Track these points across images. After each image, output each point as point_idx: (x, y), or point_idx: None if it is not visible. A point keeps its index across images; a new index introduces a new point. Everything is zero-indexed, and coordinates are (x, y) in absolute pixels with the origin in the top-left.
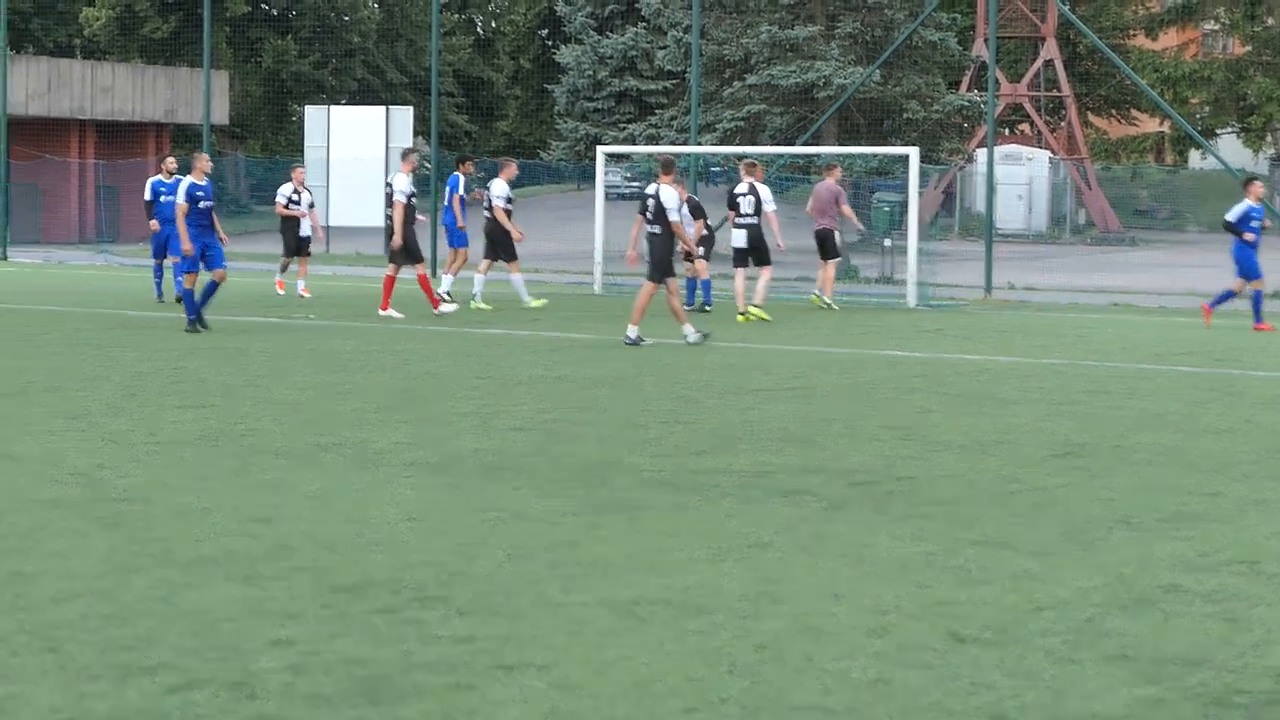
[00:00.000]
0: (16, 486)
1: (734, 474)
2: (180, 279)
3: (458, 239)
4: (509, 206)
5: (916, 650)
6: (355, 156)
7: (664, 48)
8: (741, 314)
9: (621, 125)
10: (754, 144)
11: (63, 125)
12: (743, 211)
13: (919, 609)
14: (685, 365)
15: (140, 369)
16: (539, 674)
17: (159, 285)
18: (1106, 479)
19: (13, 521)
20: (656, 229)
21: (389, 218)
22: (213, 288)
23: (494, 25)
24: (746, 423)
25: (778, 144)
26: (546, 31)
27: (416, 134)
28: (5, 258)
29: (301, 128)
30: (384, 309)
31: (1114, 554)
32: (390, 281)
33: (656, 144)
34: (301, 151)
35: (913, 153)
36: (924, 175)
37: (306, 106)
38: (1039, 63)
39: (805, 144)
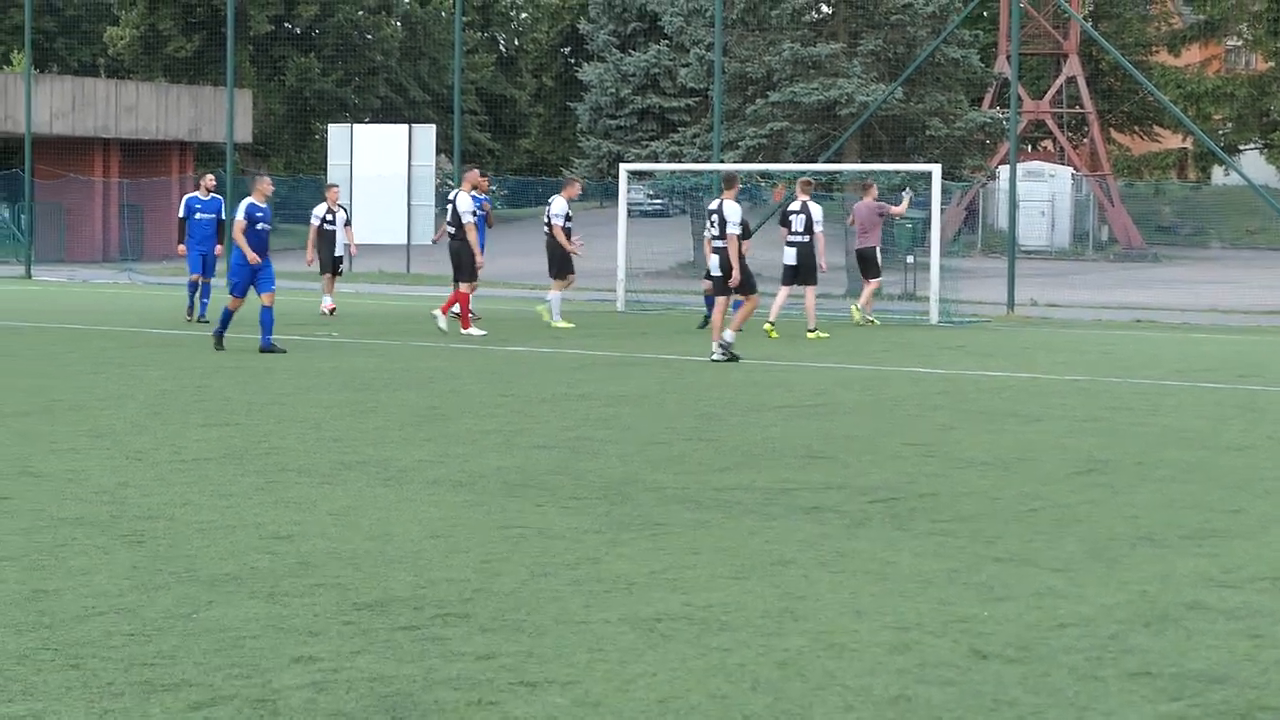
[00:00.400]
0: (40, 504)
1: (756, 491)
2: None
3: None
4: (568, 225)
5: (938, 667)
6: (378, 174)
7: (686, 65)
8: (810, 331)
9: (644, 143)
10: (776, 161)
11: (87, 144)
12: (794, 229)
13: (941, 625)
14: (707, 382)
15: (164, 387)
16: (561, 691)
17: (194, 302)
18: (1129, 495)
19: (37, 539)
20: (723, 243)
21: (454, 237)
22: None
23: (516, 43)
24: (769, 440)
25: (800, 161)
26: (569, 49)
27: (439, 151)
28: (30, 276)
29: (324, 146)
30: (465, 328)
31: (1137, 571)
32: (465, 299)
33: (679, 161)
34: (324, 169)
35: (935, 169)
36: (946, 192)
37: (330, 125)
38: (1061, 79)
39: (828, 161)
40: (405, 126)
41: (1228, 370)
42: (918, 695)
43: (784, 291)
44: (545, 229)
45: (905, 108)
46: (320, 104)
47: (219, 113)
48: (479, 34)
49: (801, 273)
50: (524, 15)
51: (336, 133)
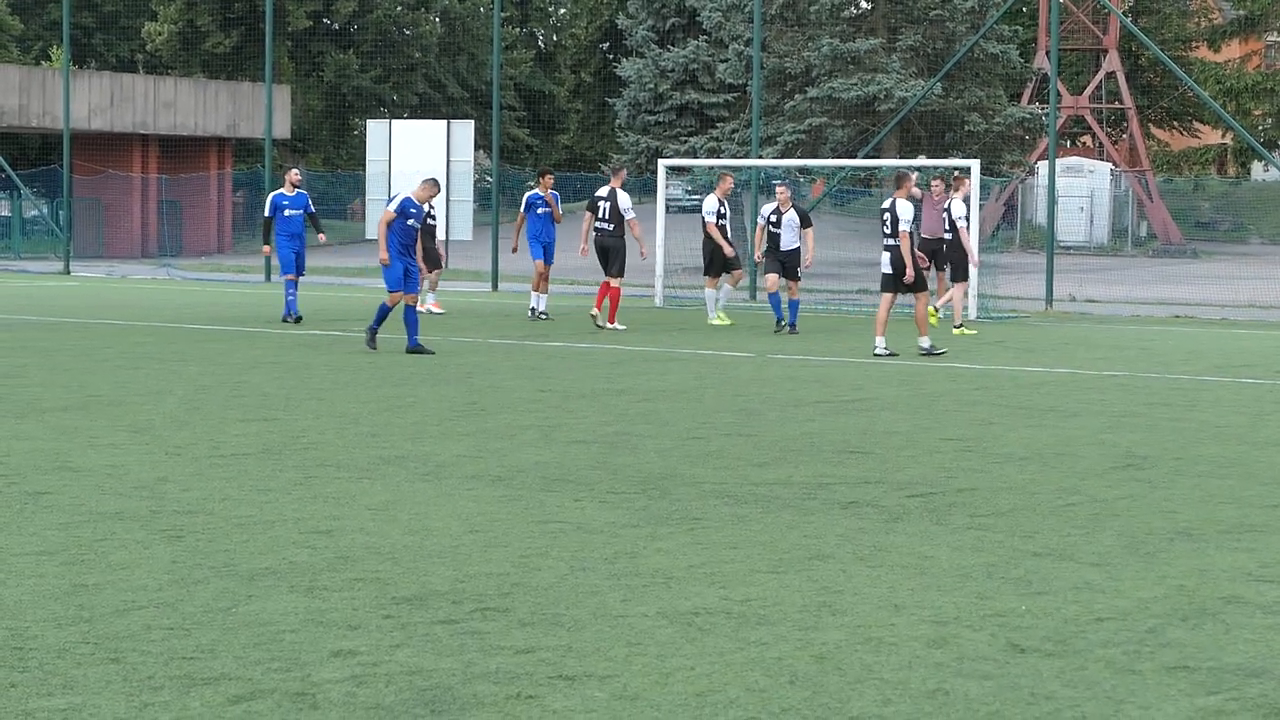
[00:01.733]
0: (80, 499)
1: (794, 486)
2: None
3: (539, 252)
4: (722, 222)
5: (976, 661)
6: (416, 170)
7: (725, 60)
8: (956, 327)
9: (682, 138)
10: (815, 157)
11: (125, 140)
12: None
13: (979, 620)
14: (745, 378)
15: (202, 382)
16: (600, 684)
17: (291, 304)
18: (1167, 490)
19: (76, 534)
20: (895, 242)
21: (609, 233)
22: (385, 311)
23: (555, 39)
24: (807, 435)
25: (838, 157)
26: (608, 45)
27: (477, 148)
28: (68, 272)
29: (363, 141)
30: (611, 322)
31: (1174, 565)
32: (616, 294)
33: (717, 157)
34: (363, 164)
35: (974, 165)
36: (985, 187)
37: (368, 121)
38: (1100, 75)
39: (866, 157)
40: (444, 122)
41: (1266, 366)
42: (955, 689)
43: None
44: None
45: (944, 103)
46: (359, 100)
47: (257, 108)
48: (517, 30)
49: (952, 270)
50: (562, 11)
51: (375, 128)
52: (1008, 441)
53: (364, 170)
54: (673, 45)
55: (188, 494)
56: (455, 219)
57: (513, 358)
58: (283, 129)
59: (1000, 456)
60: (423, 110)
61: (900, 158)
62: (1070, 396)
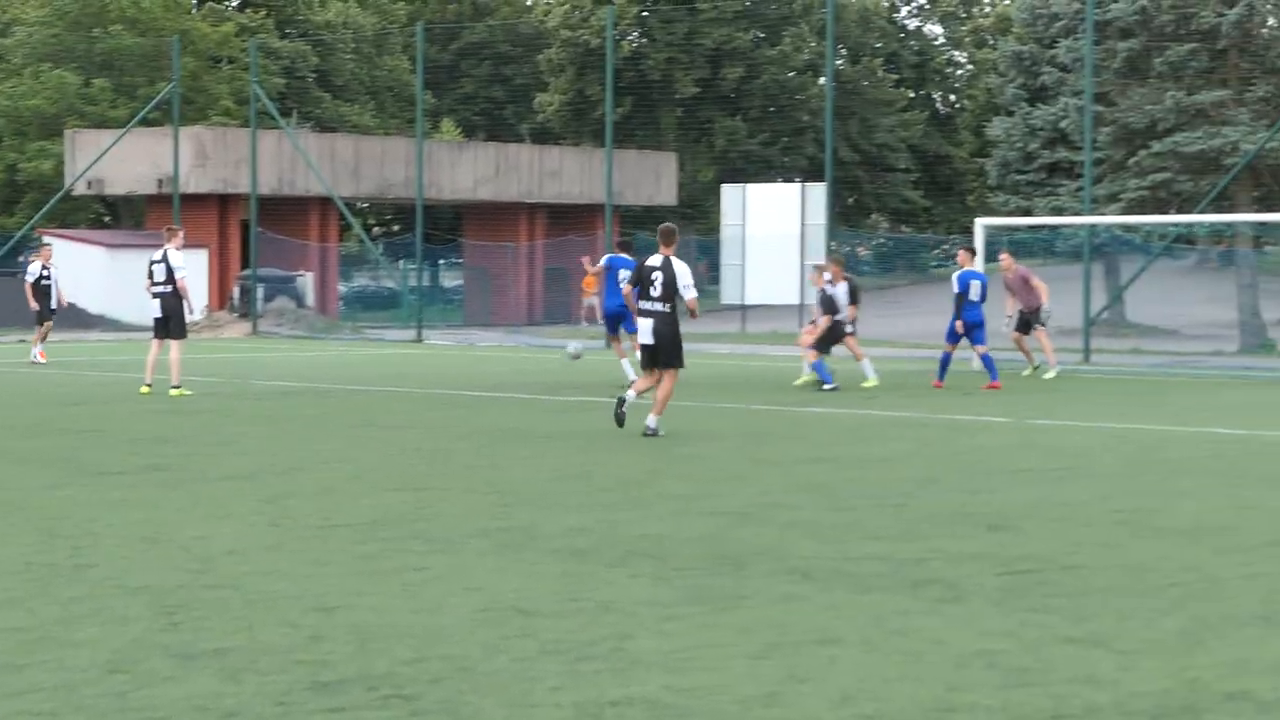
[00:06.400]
0: (123, 570)
1: (888, 562)
2: None
3: (629, 324)
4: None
5: None
6: (770, 234)
7: (1065, 117)
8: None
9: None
10: (1161, 213)
11: (511, 209)
12: None
13: (921, 714)
14: (972, 445)
15: (398, 450)
16: None
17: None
18: None
19: (71, 608)
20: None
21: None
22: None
23: (953, 100)
24: (967, 506)
25: (1184, 213)
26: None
27: (870, 212)
28: (420, 340)
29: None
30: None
31: (1218, 654)
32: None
33: (1060, 215)
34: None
35: None
36: None
37: (723, 185)
38: None
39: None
40: (798, 185)
41: None
42: None
43: None
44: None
45: None
46: (748, 165)
47: (643, 176)
48: (912, 92)
49: None
50: (959, 71)
51: (729, 193)
52: (1181, 514)
53: (719, 235)
54: (1043, 103)
55: (239, 567)
56: (809, 283)
57: (761, 423)
58: (669, 195)
59: (1153, 530)
60: (812, 173)
61: (1255, 212)
62: None
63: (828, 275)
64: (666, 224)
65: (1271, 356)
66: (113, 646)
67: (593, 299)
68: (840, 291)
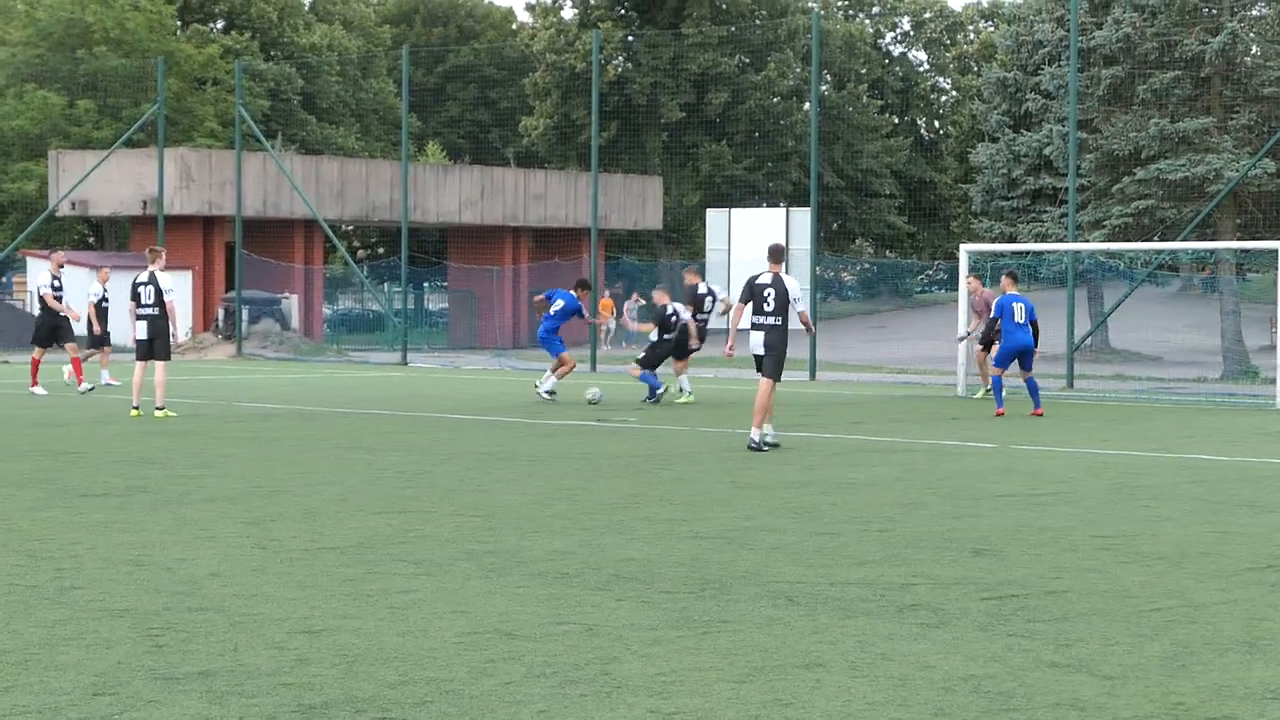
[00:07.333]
0: (106, 592)
1: (873, 586)
2: None
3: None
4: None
5: None
6: (754, 258)
7: (1049, 143)
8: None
9: (1035, 223)
10: (1144, 240)
11: (496, 232)
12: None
13: None
14: (956, 470)
15: (383, 473)
16: None
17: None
18: None
19: (57, 630)
20: None
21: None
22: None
23: (937, 126)
24: (952, 531)
25: (1167, 240)
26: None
27: (855, 237)
28: (405, 363)
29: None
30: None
31: (1200, 679)
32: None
33: (1044, 241)
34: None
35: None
36: None
37: (708, 210)
38: None
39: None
40: (783, 210)
41: None
42: None
43: None
44: None
45: None
46: (733, 190)
47: (628, 200)
48: (895, 118)
49: None
50: (944, 98)
51: (714, 217)
52: (1161, 540)
53: (704, 258)
54: (1027, 130)
55: (224, 589)
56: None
57: (743, 446)
58: (655, 219)
59: (1134, 555)
60: (796, 199)
61: (1236, 240)
62: None
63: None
64: (775, 243)
65: (1254, 383)
66: (97, 669)
67: (610, 322)
68: (681, 308)
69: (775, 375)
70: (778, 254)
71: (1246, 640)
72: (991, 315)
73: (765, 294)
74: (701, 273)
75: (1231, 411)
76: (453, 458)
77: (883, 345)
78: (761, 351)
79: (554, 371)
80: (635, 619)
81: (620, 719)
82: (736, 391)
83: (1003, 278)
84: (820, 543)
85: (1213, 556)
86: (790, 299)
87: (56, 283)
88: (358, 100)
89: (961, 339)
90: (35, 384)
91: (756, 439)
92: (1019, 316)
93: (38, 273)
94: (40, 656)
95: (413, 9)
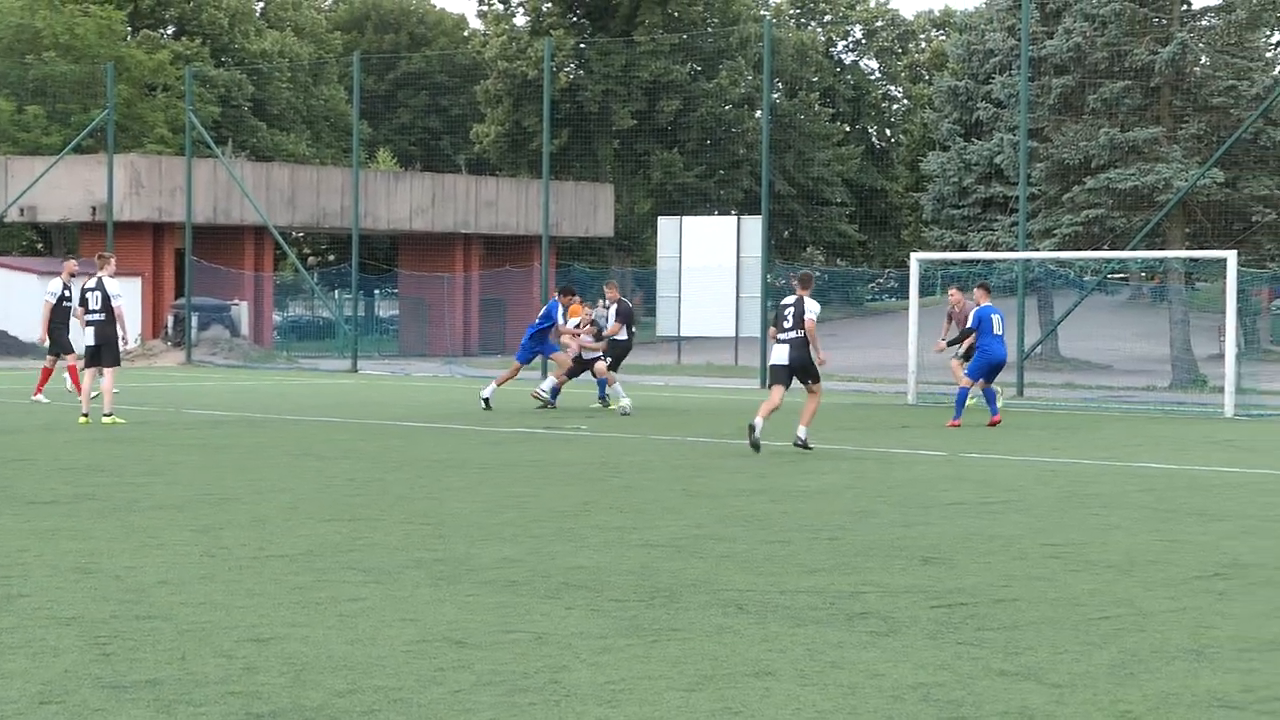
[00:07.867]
0: (52, 599)
1: (823, 595)
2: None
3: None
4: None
5: None
6: (705, 266)
7: (1000, 153)
8: None
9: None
10: (1094, 249)
11: (447, 239)
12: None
13: None
14: (907, 478)
15: (334, 480)
16: None
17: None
18: (1229, 604)
19: (5, 637)
20: None
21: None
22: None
23: (889, 135)
24: (902, 539)
25: (1117, 249)
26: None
27: (806, 245)
28: (355, 370)
29: None
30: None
31: (1146, 688)
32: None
33: (995, 249)
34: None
35: (1231, 256)
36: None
37: (660, 217)
38: None
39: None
40: (734, 218)
41: None
42: None
43: None
44: None
45: (1229, 193)
46: (684, 197)
47: (580, 207)
48: (847, 126)
49: None
50: (895, 106)
51: (666, 225)
52: (1111, 548)
53: (655, 266)
54: (978, 139)
55: (172, 598)
56: (745, 316)
57: (693, 458)
58: (606, 227)
59: (1084, 563)
60: (748, 207)
61: (1186, 249)
62: (1241, 500)
63: (605, 300)
64: (805, 271)
65: (1203, 392)
66: (43, 678)
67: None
68: (611, 314)
69: (814, 378)
70: (806, 281)
71: (1194, 648)
72: (969, 326)
73: (785, 312)
74: (620, 288)
75: (1180, 420)
76: (403, 465)
77: (834, 353)
78: (784, 363)
79: (556, 373)
80: (585, 627)
81: None
82: (689, 400)
83: (976, 289)
84: (770, 551)
85: (1161, 565)
86: (806, 313)
87: (66, 292)
88: (309, 107)
89: (941, 350)
90: (39, 392)
91: (803, 435)
92: (998, 329)
93: None
94: None
95: (364, 16)
